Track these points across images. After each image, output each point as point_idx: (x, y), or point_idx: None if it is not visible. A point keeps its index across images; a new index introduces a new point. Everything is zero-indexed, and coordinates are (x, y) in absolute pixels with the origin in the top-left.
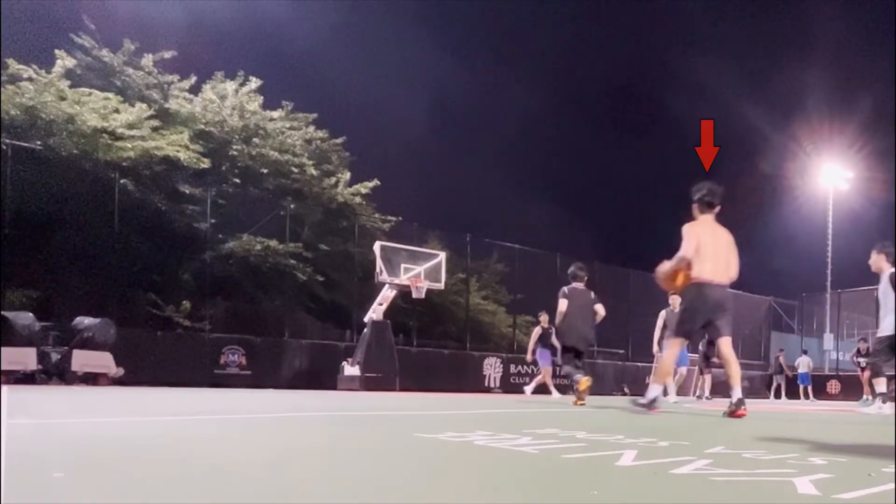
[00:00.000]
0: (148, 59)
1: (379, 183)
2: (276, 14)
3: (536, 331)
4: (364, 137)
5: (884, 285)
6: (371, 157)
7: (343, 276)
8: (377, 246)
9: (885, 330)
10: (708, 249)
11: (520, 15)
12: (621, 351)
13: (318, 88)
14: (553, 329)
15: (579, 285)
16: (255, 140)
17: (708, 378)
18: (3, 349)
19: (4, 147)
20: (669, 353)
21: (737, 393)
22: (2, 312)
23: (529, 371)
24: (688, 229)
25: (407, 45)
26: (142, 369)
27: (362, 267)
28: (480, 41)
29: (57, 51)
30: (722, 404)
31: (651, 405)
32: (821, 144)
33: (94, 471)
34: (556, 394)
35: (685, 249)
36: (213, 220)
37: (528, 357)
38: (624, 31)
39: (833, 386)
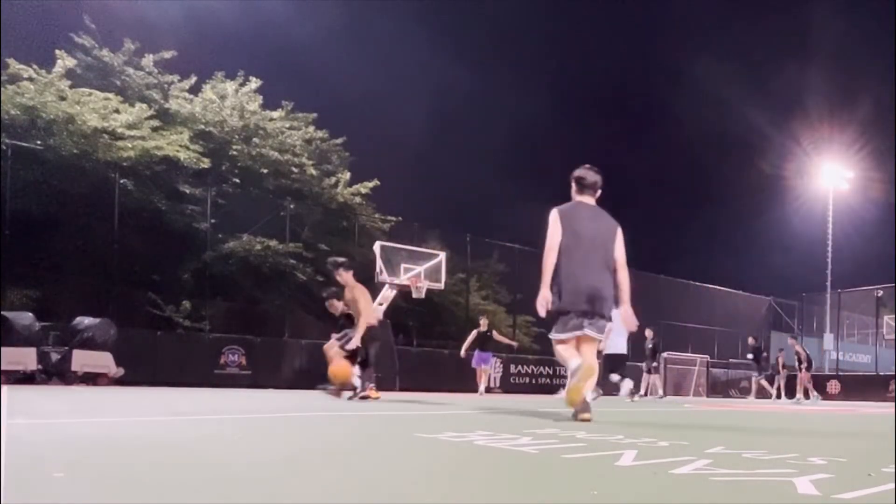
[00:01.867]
0: (148, 59)
1: (379, 183)
2: (276, 14)
3: (474, 333)
4: (364, 137)
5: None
6: (371, 157)
7: None
8: (377, 246)
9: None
10: (370, 304)
11: (520, 14)
12: None
13: (318, 88)
14: (492, 332)
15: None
16: (255, 140)
17: (655, 378)
18: (3, 349)
19: (4, 147)
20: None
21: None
22: (2, 312)
23: (529, 371)
24: (362, 291)
25: (407, 45)
26: (142, 369)
27: (362, 267)
28: (481, 41)
29: (57, 51)
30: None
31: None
32: (821, 144)
33: (94, 471)
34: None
35: (369, 308)
36: (213, 220)
37: (463, 353)
38: (625, 31)
39: (833, 386)
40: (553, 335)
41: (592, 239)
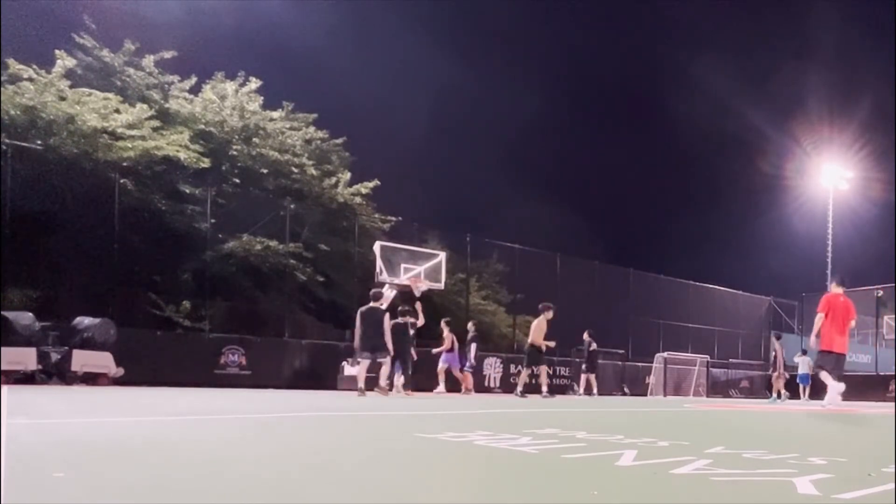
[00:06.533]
0: (148, 60)
1: (379, 183)
2: (276, 14)
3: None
4: (364, 138)
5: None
6: (371, 157)
7: (343, 276)
8: (377, 246)
9: None
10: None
11: (520, 15)
12: (621, 351)
13: (318, 89)
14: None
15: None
16: (255, 140)
17: (592, 377)
18: (3, 349)
19: (4, 147)
20: None
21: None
22: (2, 312)
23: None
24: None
25: (407, 45)
26: (142, 369)
27: (362, 267)
28: (480, 41)
29: (57, 51)
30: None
31: None
32: (821, 144)
33: (94, 471)
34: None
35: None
36: (213, 220)
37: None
38: (625, 32)
39: None
40: (357, 357)
41: (374, 322)
